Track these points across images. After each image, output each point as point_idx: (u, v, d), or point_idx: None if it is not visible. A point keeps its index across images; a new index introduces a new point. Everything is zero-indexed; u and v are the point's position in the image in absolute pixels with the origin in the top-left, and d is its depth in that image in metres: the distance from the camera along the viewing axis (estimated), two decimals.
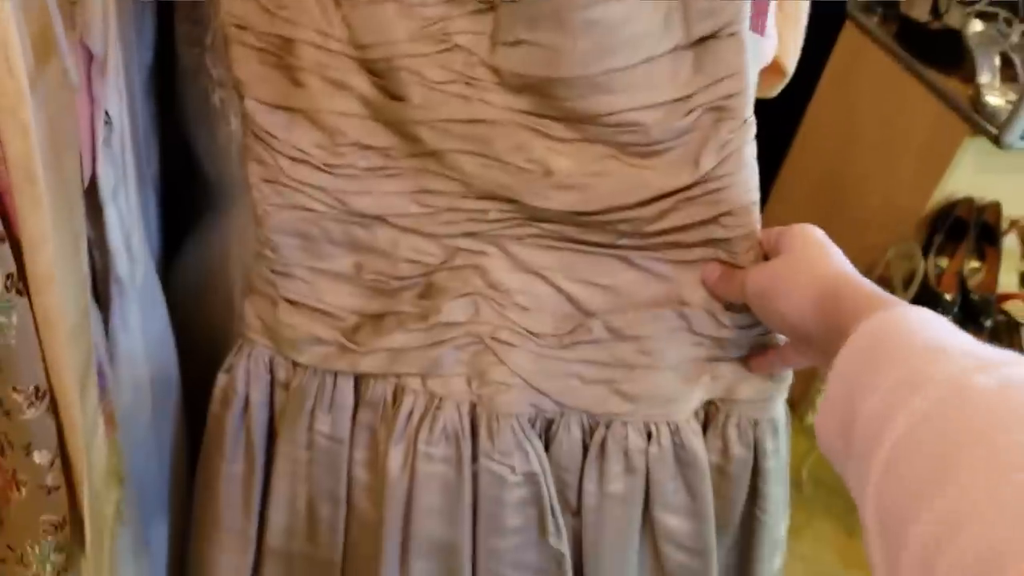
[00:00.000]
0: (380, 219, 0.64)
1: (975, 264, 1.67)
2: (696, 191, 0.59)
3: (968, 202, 1.63)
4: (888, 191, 1.75)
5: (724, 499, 0.70)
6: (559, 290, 0.65)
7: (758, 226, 0.62)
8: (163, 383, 0.77)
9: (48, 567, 0.62)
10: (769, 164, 2.09)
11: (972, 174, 1.59)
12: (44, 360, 0.56)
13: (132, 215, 0.71)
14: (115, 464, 0.68)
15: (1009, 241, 1.67)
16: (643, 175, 0.58)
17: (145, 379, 0.74)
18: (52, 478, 0.59)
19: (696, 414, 0.68)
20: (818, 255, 0.57)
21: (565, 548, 0.68)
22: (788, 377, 0.68)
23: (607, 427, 0.66)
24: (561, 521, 0.68)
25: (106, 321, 0.70)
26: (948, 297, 1.63)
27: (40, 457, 0.58)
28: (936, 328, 0.44)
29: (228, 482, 0.74)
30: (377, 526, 0.69)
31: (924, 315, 0.46)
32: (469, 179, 0.61)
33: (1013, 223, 1.66)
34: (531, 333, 0.65)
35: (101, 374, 0.66)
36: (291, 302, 0.68)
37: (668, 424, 0.66)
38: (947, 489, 0.34)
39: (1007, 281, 1.66)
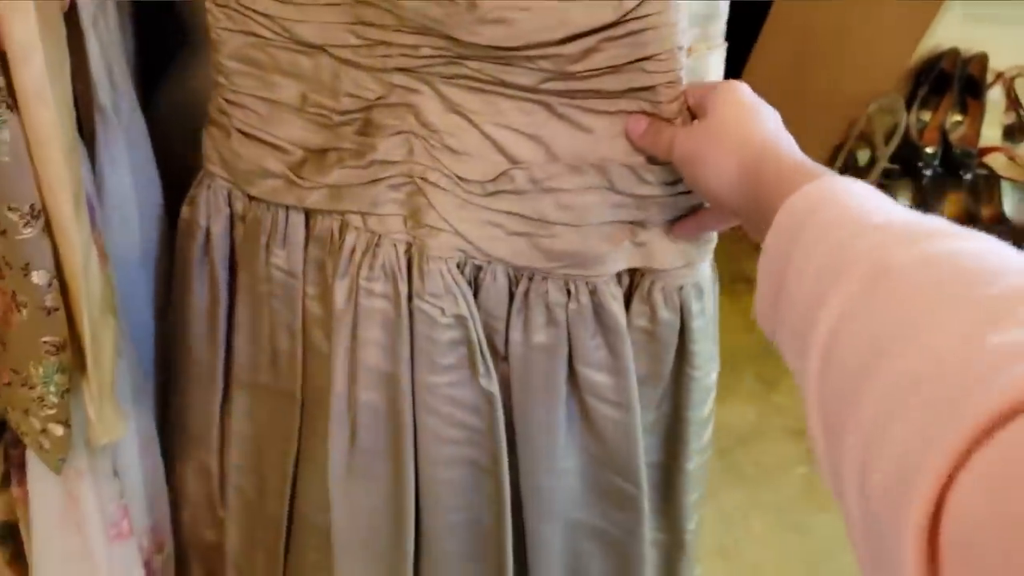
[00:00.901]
0: (322, 49, 0.65)
1: (958, 117, 1.67)
2: (619, 30, 0.57)
3: (954, 54, 1.62)
4: (872, 42, 1.72)
5: (654, 359, 0.72)
6: (486, 136, 0.64)
7: (683, 74, 0.60)
8: (150, 218, 0.77)
9: (52, 387, 0.63)
10: (753, 12, 2.05)
11: (959, 24, 1.57)
12: (38, 179, 0.56)
13: (113, 44, 0.69)
14: (108, 297, 0.69)
15: (994, 94, 1.67)
16: (566, 11, 0.57)
17: (133, 214, 0.74)
18: (51, 299, 0.60)
19: (620, 279, 0.69)
20: (744, 118, 0.55)
21: (495, 389, 0.71)
22: (712, 240, 0.69)
23: (530, 279, 0.68)
24: (491, 364, 0.71)
25: (92, 157, 0.70)
26: (929, 150, 1.63)
27: (38, 277, 0.58)
28: (860, 198, 0.43)
29: (195, 314, 0.78)
30: (328, 358, 0.72)
31: (848, 186, 0.44)
32: (401, 11, 0.60)
33: (998, 75, 1.65)
34: (459, 178, 0.66)
35: (90, 207, 0.66)
36: (243, 133, 0.70)
37: (587, 283, 0.67)
38: (872, 390, 0.32)
39: (989, 134, 1.66)
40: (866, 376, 0.33)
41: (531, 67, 0.60)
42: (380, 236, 0.68)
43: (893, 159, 1.66)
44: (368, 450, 0.74)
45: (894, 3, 1.66)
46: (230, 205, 0.73)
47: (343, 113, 0.67)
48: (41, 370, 0.62)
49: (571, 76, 0.60)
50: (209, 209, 0.74)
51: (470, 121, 0.64)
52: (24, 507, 0.79)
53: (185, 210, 0.74)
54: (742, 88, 0.57)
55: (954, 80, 1.63)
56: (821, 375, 0.37)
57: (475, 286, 0.69)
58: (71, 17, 0.63)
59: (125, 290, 0.74)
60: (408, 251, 0.68)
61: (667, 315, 0.69)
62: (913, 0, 1.61)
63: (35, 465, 0.75)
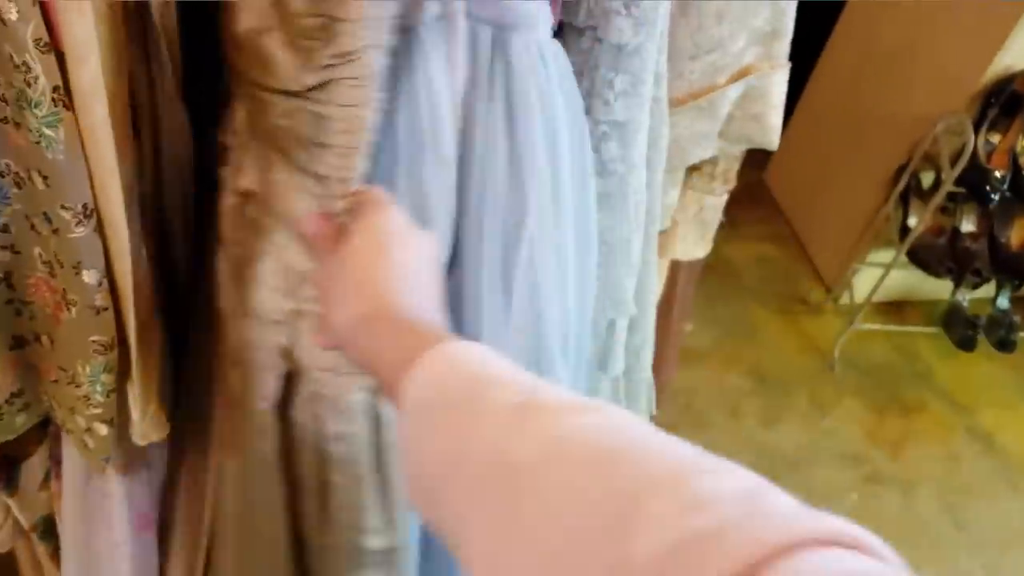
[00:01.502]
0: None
1: None
2: (306, 104, 0.58)
3: None
4: (941, 61, 1.68)
5: (293, 460, 0.71)
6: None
7: (353, 174, 0.60)
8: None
9: (99, 387, 0.63)
10: (818, 28, 2.02)
11: None
12: (91, 178, 0.55)
13: (176, 39, 0.69)
14: (157, 298, 0.69)
15: None
16: (280, 64, 0.57)
17: (191, 210, 0.74)
18: (100, 298, 0.60)
19: (289, 363, 0.68)
20: (372, 263, 0.52)
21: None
22: (347, 368, 0.67)
23: None
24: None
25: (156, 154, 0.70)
26: (998, 174, 1.59)
27: (89, 277, 0.58)
28: (469, 378, 0.43)
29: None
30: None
31: (454, 363, 0.44)
32: None
33: None
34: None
35: (144, 206, 0.67)
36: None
37: (272, 343, 0.67)
38: None
39: None
40: None
41: (269, 104, 0.61)
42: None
43: (959, 182, 1.62)
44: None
45: (964, 22, 1.62)
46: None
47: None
48: (88, 369, 0.62)
49: (277, 129, 0.60)
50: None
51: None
52: (59, 501, 0.80)
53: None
54: (383, 222, 0.53)
55: None
56: None
57: None
58: (139, 9, 0.63)
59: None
60: None
61: (303, 416, 0.68)
62: (984, 18, 1.57)
63: (68, 459, 0.75)
